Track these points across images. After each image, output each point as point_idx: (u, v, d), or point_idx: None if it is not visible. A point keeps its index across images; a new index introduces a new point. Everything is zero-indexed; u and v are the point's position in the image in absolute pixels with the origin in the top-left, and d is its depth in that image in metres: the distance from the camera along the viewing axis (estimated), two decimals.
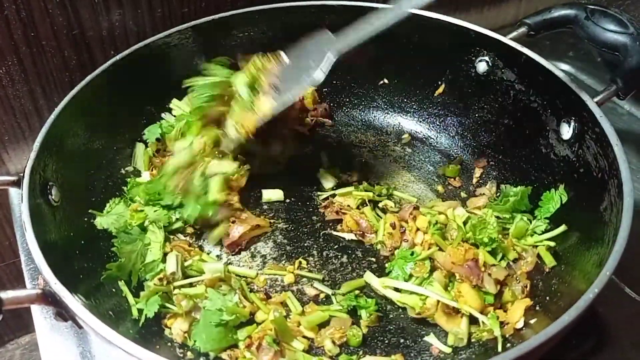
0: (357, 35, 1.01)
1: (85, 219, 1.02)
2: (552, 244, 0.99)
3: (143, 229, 1.03)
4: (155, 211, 1.04)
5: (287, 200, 1.16)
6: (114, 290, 0.96)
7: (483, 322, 0.90)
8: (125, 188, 1.11)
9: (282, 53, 1.12)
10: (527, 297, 0.94)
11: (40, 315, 0.99)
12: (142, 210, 1.05)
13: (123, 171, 1.14)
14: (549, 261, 0.97)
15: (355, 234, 1.08)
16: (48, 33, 1.11)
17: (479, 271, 0.93)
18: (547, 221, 1.02)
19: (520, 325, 0.90)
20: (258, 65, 1.11)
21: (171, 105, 1.19)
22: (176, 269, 0.97)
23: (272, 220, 1.12)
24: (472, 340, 0.92)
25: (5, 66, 1.11)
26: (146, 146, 1.17)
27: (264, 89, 1.08)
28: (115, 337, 0.71)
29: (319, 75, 1.01)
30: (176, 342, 0.92)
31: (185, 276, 0.99)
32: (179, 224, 1.06)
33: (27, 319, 1.04)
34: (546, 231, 1.01)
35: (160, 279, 0.94)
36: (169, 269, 0.97)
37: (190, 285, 0.97)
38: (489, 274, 0.94)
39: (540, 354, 0.73)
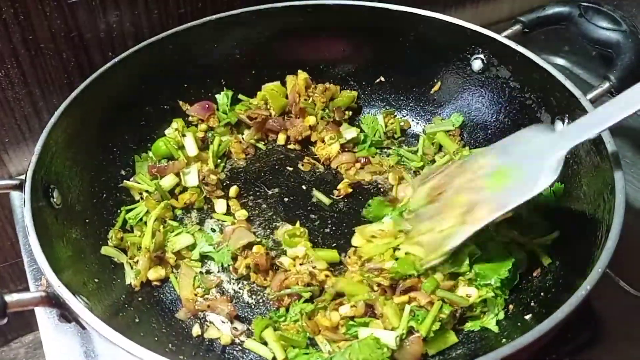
0: (595, 126, 0.86)
1: (87, 221, 1.03)
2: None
3: None
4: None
5: (286, 199, 1.17)
6: (113, 286, 0.98)
7: None
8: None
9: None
10: None
11: (44, 315, 1.01)
12: None
13: (123, 172, 1.15)
14: (544, 259, 0.98)
15: None
16: (46, 36, 1.12)
17: None
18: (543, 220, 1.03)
19: None
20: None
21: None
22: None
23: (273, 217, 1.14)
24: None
25: (4, 69, 1.11)
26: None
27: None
28: (119, 338, 0.73)
29: (547, 183, 0.88)
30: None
31: None
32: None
33: (30, 317, 1.06)
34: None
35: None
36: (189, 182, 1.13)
37: None
38: None
39: (534, 349, 0.75)
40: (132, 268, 1.02)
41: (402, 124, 1.30)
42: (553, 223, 1.03)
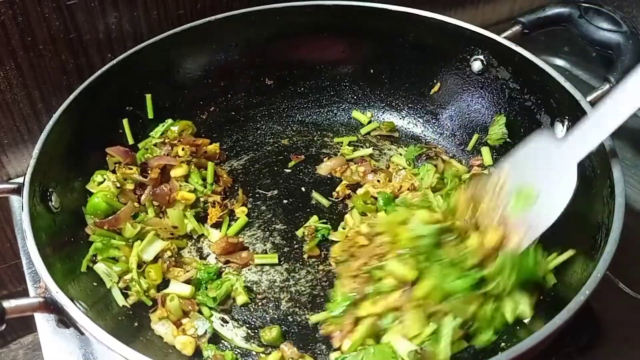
0: (600, 131, 0.86)
1: (86, 225, 1.03)
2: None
3: None
4: None
5: (285, 201, 1.17)
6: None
7: None
8: None
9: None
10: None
11: (43, 318, 1.01)
12: None
13: None
14: None
15: None
16: (45, 37, 1.12)
17: None
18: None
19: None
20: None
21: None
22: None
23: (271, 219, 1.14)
24: None
25: (3, 71, 1.11)
26: None
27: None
28: (118, 346, 0.72)
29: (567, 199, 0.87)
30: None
31: None
32: None
33: (29, 318, 1.05)
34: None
35: None
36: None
37: None
38: None
39: (533, 354, 0.74)
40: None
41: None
42: (552, 225, 1.02)
